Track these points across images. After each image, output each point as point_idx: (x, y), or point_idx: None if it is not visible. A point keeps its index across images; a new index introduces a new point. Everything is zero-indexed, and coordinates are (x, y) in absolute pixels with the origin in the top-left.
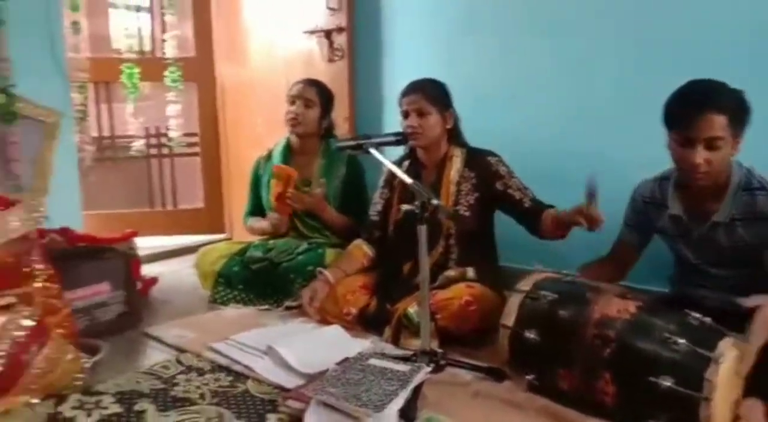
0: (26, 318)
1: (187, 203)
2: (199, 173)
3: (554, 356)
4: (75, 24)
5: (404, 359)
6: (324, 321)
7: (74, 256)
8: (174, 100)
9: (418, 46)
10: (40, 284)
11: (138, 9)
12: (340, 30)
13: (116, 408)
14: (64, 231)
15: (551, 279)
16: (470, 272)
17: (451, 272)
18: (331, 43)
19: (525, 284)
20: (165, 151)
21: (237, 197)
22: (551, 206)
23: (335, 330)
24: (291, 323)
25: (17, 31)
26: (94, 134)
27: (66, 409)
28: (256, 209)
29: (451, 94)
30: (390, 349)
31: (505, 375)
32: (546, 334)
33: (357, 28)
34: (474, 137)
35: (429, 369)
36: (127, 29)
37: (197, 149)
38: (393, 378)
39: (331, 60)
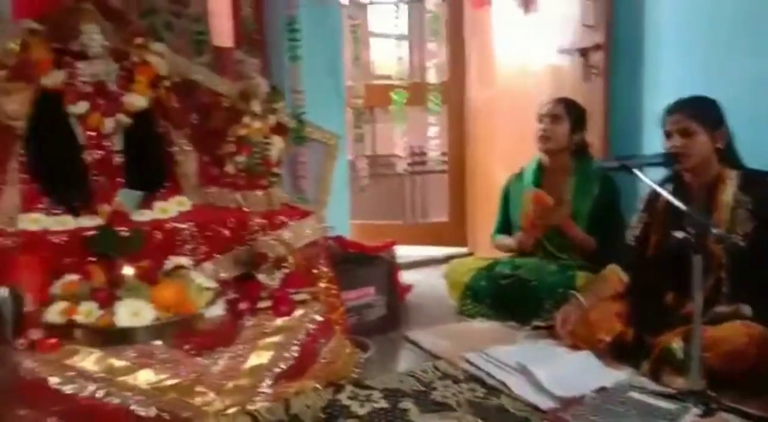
0: (316, 313)
1: (434, 217)
2: (446, 190)
3: None
4: (355, 57)
5: (668, 396)
6: (575, 346)
7: (348, 261)
8: (434, 123)
9: (682, 63)
10: (324, 285)
11: (399, 38)
12: (596, 48)
13: (384, 404)
14: (339, 239)
15: None
16: (746, 309)
17: (722, 308)
18: (586, 62)
19: None
20: (417, 168)
21: (481, 214)
22: None
23: (587, 357)
24: (540, 343)
25: (307, 64)
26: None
27: (343, 398)
28: (505, 226)
29: (722, 112)
30: (648, 384)
31: None
32: None
33: (615, 45)
34: (749, 158)
35: (698, 410)
36: (398, 58)
37: (445, 167)
38: (658, 416)
39: (586, 78)
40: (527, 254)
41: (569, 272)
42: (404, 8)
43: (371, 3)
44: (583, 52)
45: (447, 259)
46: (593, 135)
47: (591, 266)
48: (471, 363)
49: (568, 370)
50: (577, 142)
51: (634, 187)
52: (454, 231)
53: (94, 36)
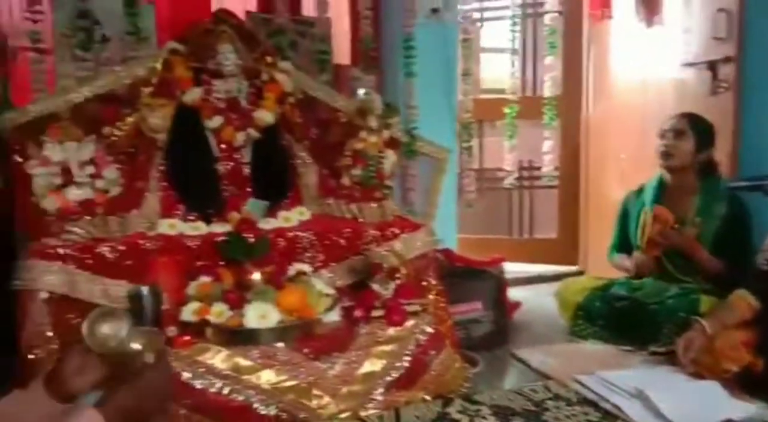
0: (427, 324)
1: (542, 233)
2: (555, 205)
3: None
4: (466, 71)
5: None
6: (697, 375)
7: (456, 275)
8: (548, 137)
9: None
10: (432, 297)
11: (513, 52)
12: (726, 60)
13: (493, 421)
14: (447, 252)
15: None
16: None
17: None
18: (714, 75)
19: None
20: (526, 183)
21: (594, 231)
22: None
23: (713, 386)
24: (659, 369)
25: (422, 80)
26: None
27: (452, 411)
28: (623, 243)
29: None
30: None
31: None
32: None
33: (747, 58)
34: None
35: None
36: (511, 72)
37: (555, 182)
38: None
39: (713, 92)
40: (645, 275)
41: (692, 296)
42: (519, 23)
43: (484, 19)
44: (711, 66)
45: (556, 277)
46: (721, 153)
47: (716, 291)
48: (583, 385)
49: (690, 398)
50: (703, 160)
51: (766, 207)
52: (563, 248)
53: (229, 55)
